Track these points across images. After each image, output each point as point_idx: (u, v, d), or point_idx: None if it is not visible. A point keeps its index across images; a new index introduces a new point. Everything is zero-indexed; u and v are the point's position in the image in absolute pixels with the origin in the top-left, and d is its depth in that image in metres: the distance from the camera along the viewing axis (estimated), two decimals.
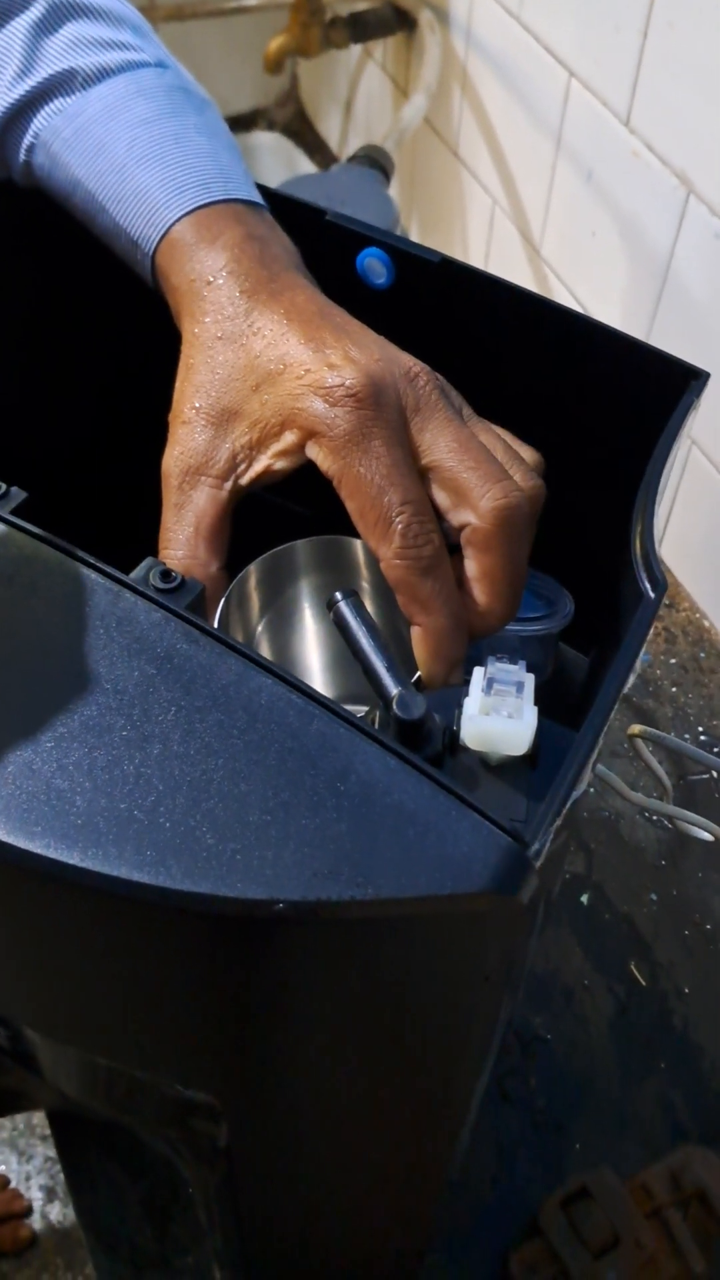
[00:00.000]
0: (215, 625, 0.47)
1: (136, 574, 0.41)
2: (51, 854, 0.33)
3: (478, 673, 0.41)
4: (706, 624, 1.08)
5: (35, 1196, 1.38)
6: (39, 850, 0.33)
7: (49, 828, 0.33)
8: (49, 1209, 1.37)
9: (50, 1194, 1.37)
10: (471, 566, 0.45)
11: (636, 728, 0.65)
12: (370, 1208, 0.58)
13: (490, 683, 0.40)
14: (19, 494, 0.41)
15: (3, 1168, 1.39)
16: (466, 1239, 0.76)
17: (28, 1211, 1.36)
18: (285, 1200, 0.55)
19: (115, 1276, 0.76)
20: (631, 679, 0.42)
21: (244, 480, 0.47)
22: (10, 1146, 1.40)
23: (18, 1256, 1.33)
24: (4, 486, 0.41)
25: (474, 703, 0.40)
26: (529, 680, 0.41)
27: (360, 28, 1.35)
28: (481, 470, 0.45)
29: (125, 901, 0.33)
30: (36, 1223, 1.35)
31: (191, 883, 0.33)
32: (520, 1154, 0.80)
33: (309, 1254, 0.62)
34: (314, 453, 0.45)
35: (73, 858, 0.33)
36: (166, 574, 0.41)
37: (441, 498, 0.45)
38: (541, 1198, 0.75)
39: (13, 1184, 1.38)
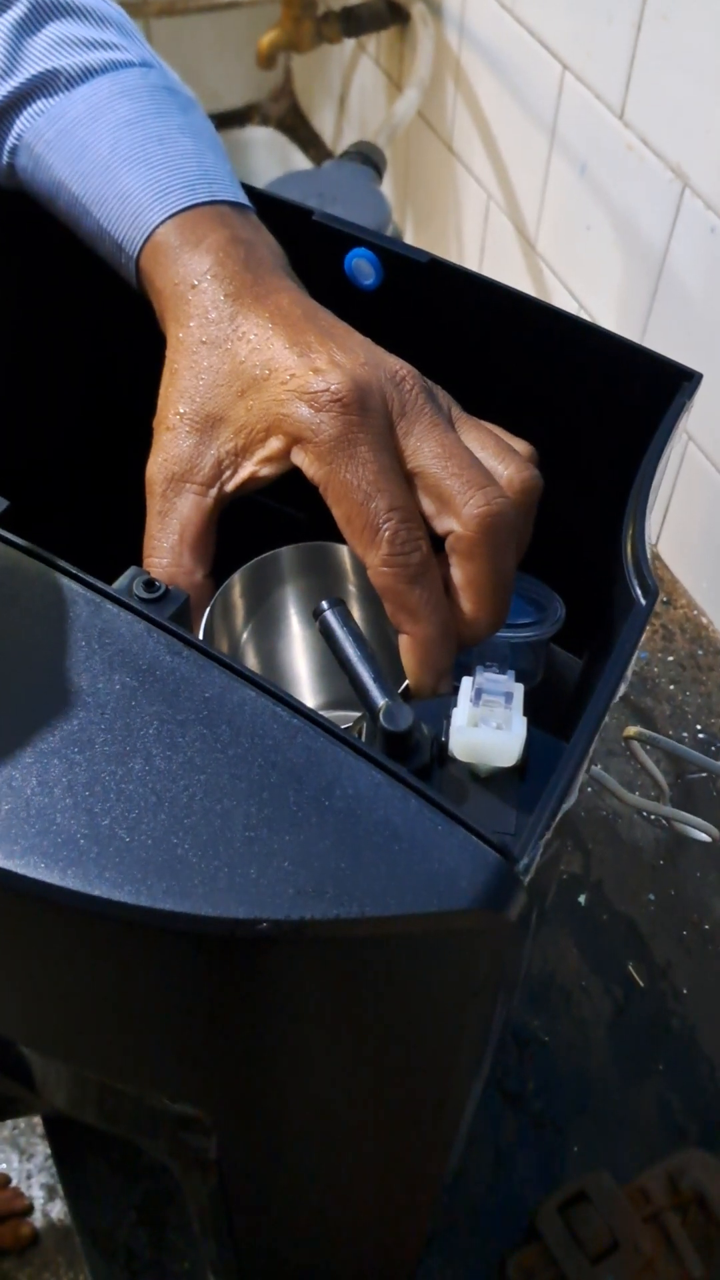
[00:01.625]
0: (200, 634, 0.46)
1: (119, 584, 0.40)
2: (31, 873, 0.33)
3: (466, 683, 0.41)
4: (704, 621, 1.07)
5: (36, 1195, 1.37)
6: (18, 869, 0.33)
7: (29, 846, 0.33)
8: (50, 1207, 1.37)
9: (51, 1192, 1.37)
10: (457, 574, 0.45)
11: (632, 730, 0.65)
12: (363, 1217, 0.57)
13: (479, 693, 0.40)
14: (0, 502, 0.40)
15: (4, 1166, 1.39)
16: (463, 1243, 0.76)
17: (29, 1210, 1.36)
18: (278, 1209, 0.54)
19: None
20: (623, 687, 0.42)
21: (229, 487, 0.47)
22: (11, 1145, 1.40)
23: (19, 1255, 1.33)
24: None
25: (462, 714, 0.39)
26: (518, 690, 0.40)
27: (353, 22, 1.34)
28: (465, 476, 0.44)
29: (107, 921, 0.33)
30: (38, 1221, 1.35)
31: (174, 902, 0.32)
32: (518, 1156, 0.80)
33: (303, 1262, 0.62)
34: (300, 459, 0.45)
35: (53, 877, 0.32)
36: (150, 584, 0.40)
37: (426, 504, 0.45)
38: (539, 1201, 0.74)
39: (14, 1182, 1.38)
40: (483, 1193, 0.78)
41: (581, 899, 0.90)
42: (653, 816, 0.93)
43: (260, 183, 0.55)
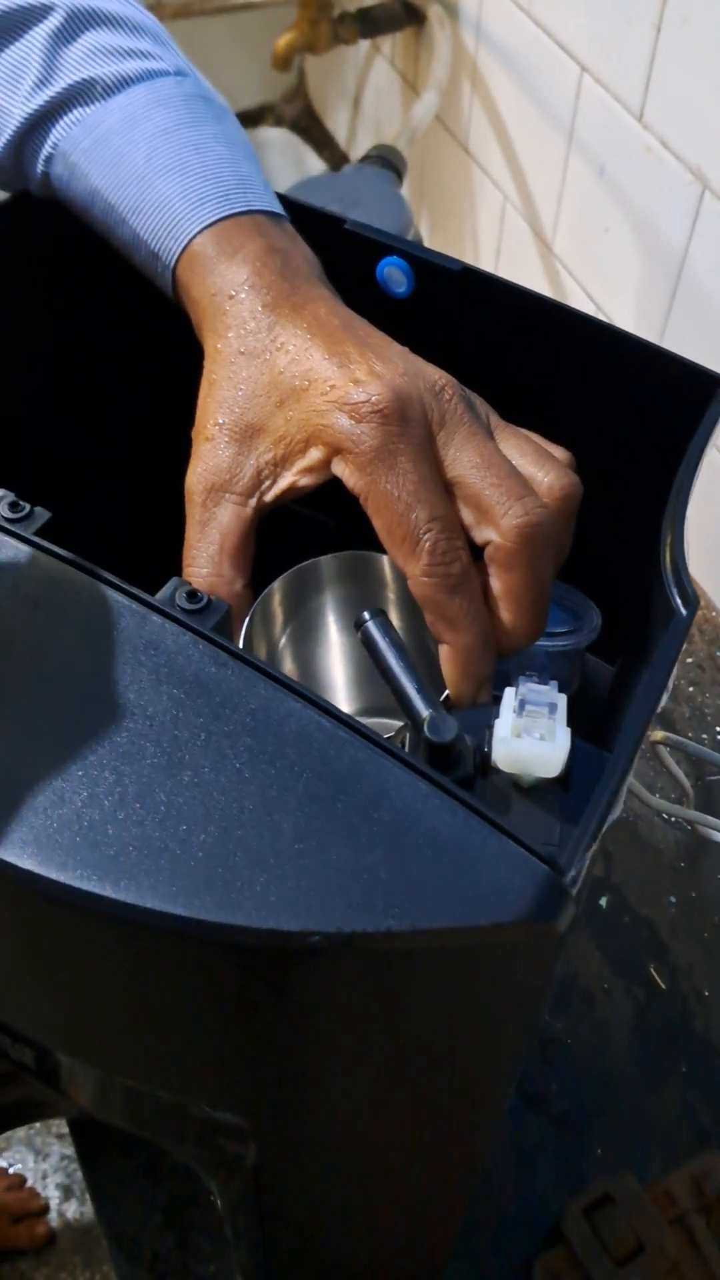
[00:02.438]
0: (240, 643, 0.46)
1: (162, 595, 0.40)
2: (83, 885, 0.33)
3: (509, 693, 0.41)
4: None
5: (52, 1195, 1.38)
6: (71, 882, 0.33)
7: (80, 859, 0.33)
8: (65, 1207, 1.37)
9: (67, 1192, 1.37)
10: (496, 584, 0.45)
11: (659, 734, 0.65)
12: (395, 1220, 0.58)
13: (522, 704, 0.40)
14: (43, 514, 0.41)
15: (20, 1166, 1.39)
16: (489, 1246, 0.76)
17: (45, 1210, 1.37)
18: (311, 1215, 0.55)
19: None
20: (665, 697, 0.42)
21: (269, 497, 0.47)
22: (27, 1145, 1.41)
23: (36, 1255, 1.33)
24: (27, 507, 0.41)
25: (506, 724, 0.39)
26: (561, 701, 0.40)
27: (369, 23, 1.35)
28: (504, 486, 0.44)
29: (158, 933, 0.33)
30: (54, 1221, 1.35)
31: (224, 915, 0.32)
32: (542, 1160, 0.80)
33: (333, 1266, 0.62)
34: (340, 469, 0.45)
35: (105, 889, 0.33)
36: (193, 594, 0.40)
37: (465, 514, 0.45)
38: (563, 1204, 0.74)
39: (30, 1182, 1.38)
40: (507, 1196, 0.78)
41: (603, 901, 0.91)
42: (673, 819, 0.93)
43: (276, 184, 0.55)
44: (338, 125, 1.67)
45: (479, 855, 0.34)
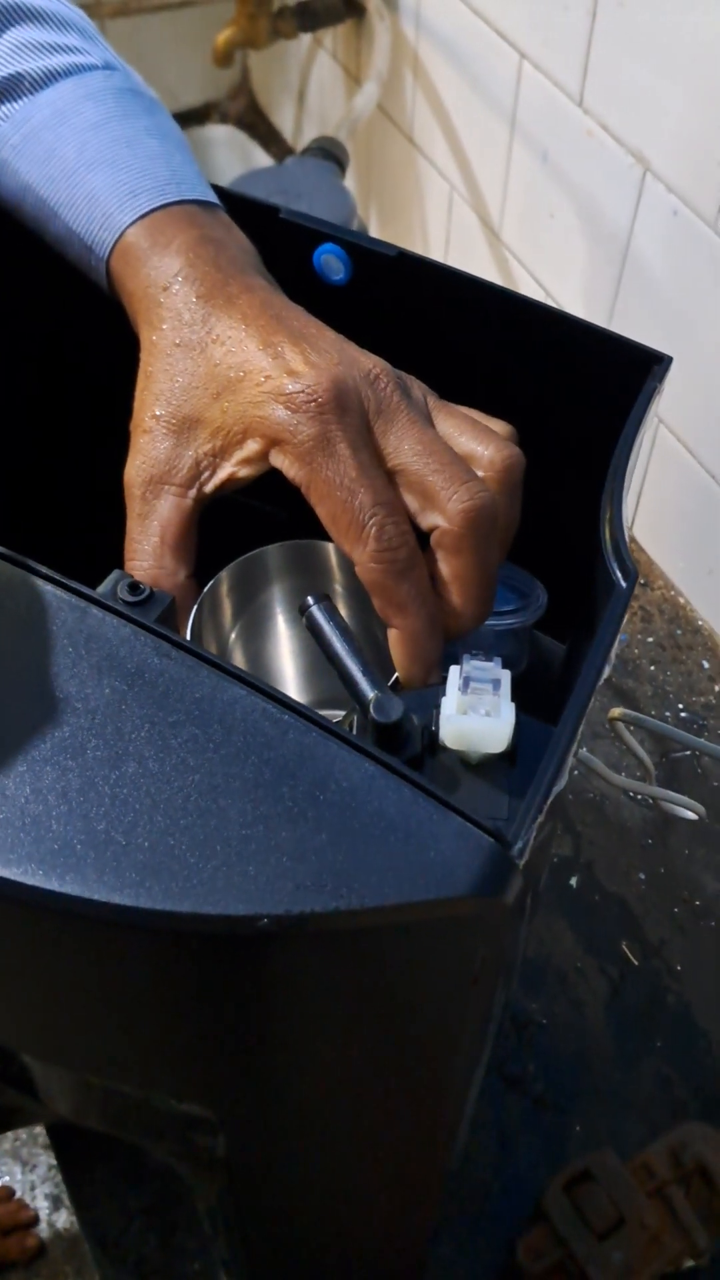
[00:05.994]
0: (188, 635, 0.46)
1: (104, 588, 0.40)
2: (28, 880, 0.33)
3: (454, 671, 0.41)
4: (681, 600, 1.08)
5: (41, 1206, 1.37)
6: (16, 877, 0.33)
7: (25, 853, 0.33)
8: (55, 1217, 1.37)
9: (56, 1202, 1.37)
10: (444, 569, 0.45)
11: (616, 711, 0.65)
12: (372, 1206, 0.58)
13: (466, 681, 0.40)
14: None
15: (7, 1179, 1.39)
16: (472, 1228, 0.76)
17: (34, 1221, 1.36)
18: (288, 1204, 0.55)
19: None
20: (608, 669, 0.42)
21: (208, 488, 0.47)
22: (14, 1157, 1.40)
23: (26, 1267, 1.33)
24: None
25: (451, 702, 0.39)
26: (505, 677, 0.40)
27: (308, 17, 1.34)
28: (447, 472, 0.44)
29: (107, 925, 0.33)
30: (44, 1231, 1.35)
31: (173, 903, 0.32)
32: (521, 1139, 0.80)
33: (315, 1256, 0.62)
34: (278, 460, 0.45)
35: (50, 883, 0.33)
36: (134, 586, 0.40)
37: (410, 501, 0.45)
38: (545, 1182, 0.75)
39: (18, 1194, 1.38)
40: (489, 1177, 0.78)
41: (573, 881, 0.91)
42: (639, 796, 0.94)
43: (222, 181, 0.55)
44: (283, 120, 1.67)
45: (425, 832, 0.34)
